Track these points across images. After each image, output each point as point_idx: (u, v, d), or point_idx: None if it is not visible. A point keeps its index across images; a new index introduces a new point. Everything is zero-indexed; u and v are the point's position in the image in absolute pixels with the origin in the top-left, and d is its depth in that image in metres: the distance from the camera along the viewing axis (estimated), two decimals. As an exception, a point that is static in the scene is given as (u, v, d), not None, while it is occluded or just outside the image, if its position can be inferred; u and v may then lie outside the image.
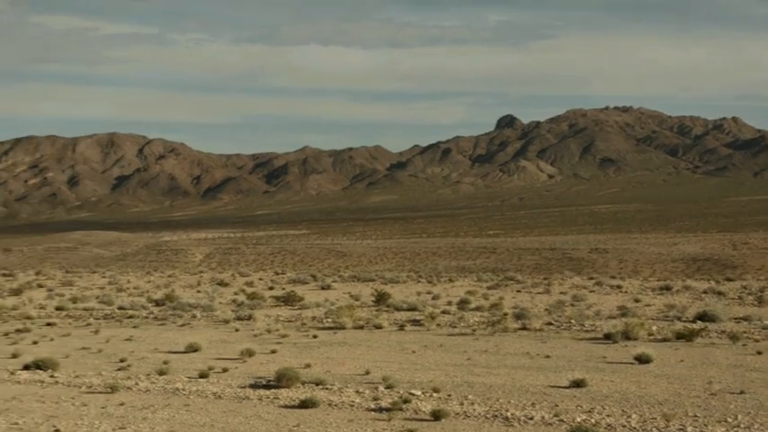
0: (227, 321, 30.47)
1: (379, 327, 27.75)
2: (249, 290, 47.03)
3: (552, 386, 17.52)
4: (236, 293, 44.68)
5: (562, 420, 14.58)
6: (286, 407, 15.98)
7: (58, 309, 35.47)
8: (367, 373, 19.22)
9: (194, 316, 32.37)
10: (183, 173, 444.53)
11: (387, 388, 17.24)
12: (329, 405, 15.95)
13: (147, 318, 32.40)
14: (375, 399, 16.31)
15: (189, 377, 19.09)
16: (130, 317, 32.53)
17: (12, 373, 19.74)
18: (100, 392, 17.52)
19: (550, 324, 27.76)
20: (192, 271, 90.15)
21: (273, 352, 22.70)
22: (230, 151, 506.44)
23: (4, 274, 70.49)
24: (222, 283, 54.24)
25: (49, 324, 30.52)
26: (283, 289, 46.62)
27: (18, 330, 28.43)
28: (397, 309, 33.58)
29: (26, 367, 20.30)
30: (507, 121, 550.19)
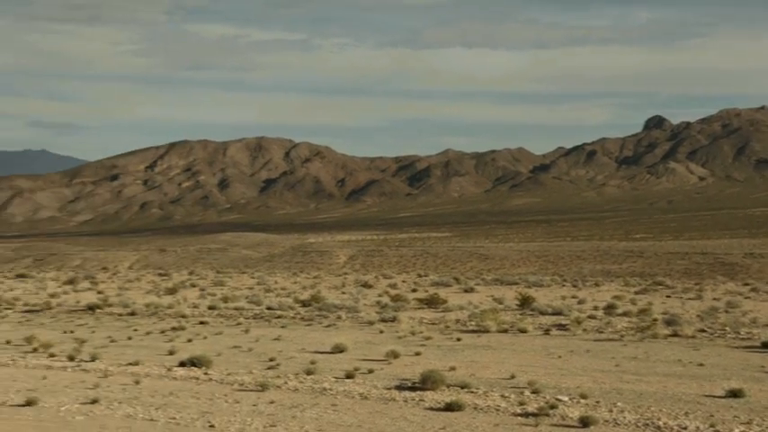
0: (371, 323, 30.79)
1: (523, 331, 27.47)
2: (393, 292, 47.43)
3: (707, 395, 16.89)
4: (379, 295, 45.12)
5: (718, 431, 14.04)
6: (431, 409, 16.00)
7: (210, 308, 36.66)
8: (512, 377, 19.04)
9: (339, 317, 32.87)
10: (328, 176, 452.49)
11: (533, 393, 17.03)
12: (475, 409, 15.87)
13: (294, 318, 33.10)
14: (521, 403, 16.13)
15: (336, 377, 19.38)
16: (278, 317, 33.30)
17: (169, 370, 20.54)
18: (251, 390, 18.01)
19: (703, 331, 26.78)
20: (337, 272, 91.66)
21: (418, 354, 22.78)
22: (373, 154, 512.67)
23: (160, 274, 73.54)
24: (366, 285, 54.91)
25: (201, 323, 31.62)
26: (426, 291, 46.77)
27: (174, 328, 29.55)
28: (542, 313, 33.16)
29: (182, 364, 21.08)
30: (655, 122, 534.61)
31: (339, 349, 23.54)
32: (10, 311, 36.81)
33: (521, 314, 33.26)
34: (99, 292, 48.47)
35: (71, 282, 59.46)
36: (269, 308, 36.33)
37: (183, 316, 33.83)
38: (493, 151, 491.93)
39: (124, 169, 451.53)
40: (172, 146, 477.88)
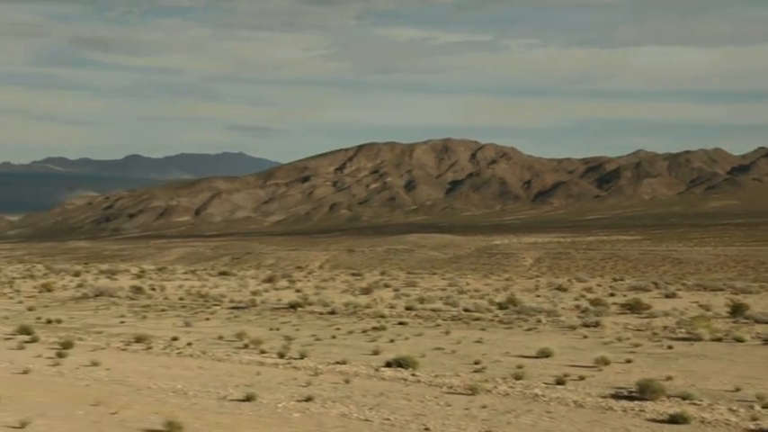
0: (573, 327, 29.97)
1: (740, 340, 25.92)
2: (589, 295, 46.19)
3: None
4: (575, 299, 44.03)
5: None
6: (654, 421, 15.23)
7: (407, 308, 36.80)
8: (737, 389, 17.91)
9: (539, 321, 32.19)
10: (514, 177, 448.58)
11: (764, 407, 15.91)
12: (702, 422, 14.99)
13: (492, 320, 32.69)
14: (753, 419, 15.10)
15: (545, 383, 18.87)
16: (477, 319, 32.99)
17: (376, 370, 20.62)
18: (460, 393, 17.78)
19: None
20: (524, 275, 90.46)
21: (629, 361, 21.90)
22: (560, 155, 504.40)
23: (353, 274, 74.82)
24: (561, 288, 53.77)
25: (401, 323, 31.73)
26: (624, 296, 45.28)
27: (374, 328, 29.78)
28: (757, 321, 31.25)
29: (388, 364, 21.12)
30: None
31: (545, 354, 23.00)
32: (218, 308, 38.31)
33: (734, 322, 31.50)
34: (297, 291, 49.75)
35: (270, 280, 61.35)
36: (466, 310, 36.09)
37: (382, 316, 34.07)
38: (687, 152, 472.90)
39: (315, 171, 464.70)
40: (360, 148, 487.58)
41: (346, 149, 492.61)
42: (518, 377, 19.41)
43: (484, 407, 16.40)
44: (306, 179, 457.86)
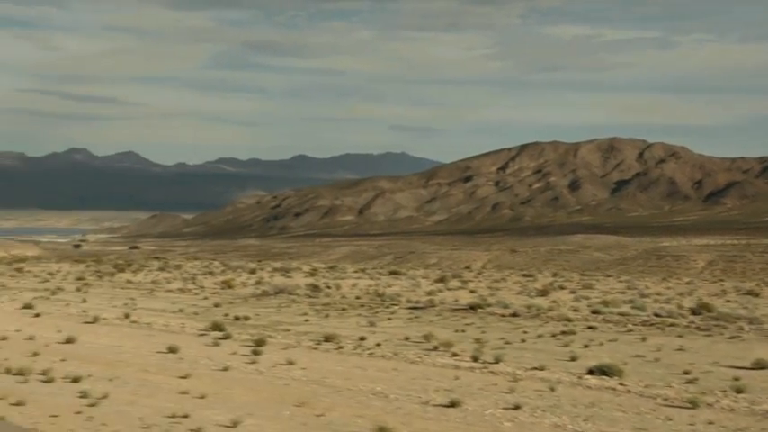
0: (781, 337, 27.82)
1: None
2: (786, 302, 43.28)
3: None
4: (772, 305, 41.28)
5: None
6: None
7: (593, 312, 35.31)
8: None
9: (741, 328, 30.10)
10: (684, 177, 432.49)
11: None
12: None
13: (688, 327, 30.82)
14: None
15: (772, 398, 17.30)
16: (671, 325, 31.20)
17: (579, 378, 19.52)
18: (678, 407, 16.49)
19: None
20: (698, 278, 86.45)
21: None
22: (734, 154, 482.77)
23: (524, 275, 73.36)
24: (751, 293, 50.74)
25: (590, 327, 30.36)
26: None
27: (563, 332, 28.60)
28: None
29: (590, 372, 19.99)
30: None
31: (760, 365, 21.25)
32: (396, 307, 37.95)
33: None
34: (471, 291, 48.90)
35: (441, 280, 60.77)
36: (656, 314, 34.27)
37: (568, 319, 32.75)
38: None
39: (477, 171, 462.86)
40: (523, 147, 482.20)
41: (509, 149, 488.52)
42: (739, 390, 17.90)
43: (710, 423, 15.08)
44: (468, 179, 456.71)
